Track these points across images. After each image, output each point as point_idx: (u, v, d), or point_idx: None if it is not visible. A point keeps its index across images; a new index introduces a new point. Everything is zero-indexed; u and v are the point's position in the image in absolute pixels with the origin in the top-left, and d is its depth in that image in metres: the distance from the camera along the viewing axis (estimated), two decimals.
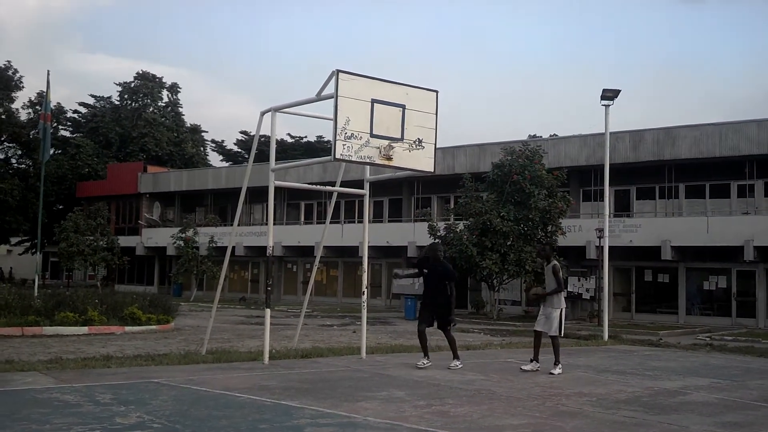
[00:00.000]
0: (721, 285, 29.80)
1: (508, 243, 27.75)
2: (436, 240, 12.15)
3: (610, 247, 21.68)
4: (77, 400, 8.19)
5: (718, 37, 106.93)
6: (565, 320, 12.13)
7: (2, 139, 50.62)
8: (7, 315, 16.78)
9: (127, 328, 18.13)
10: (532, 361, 11.90)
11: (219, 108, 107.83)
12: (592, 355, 15.63)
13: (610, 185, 21.53)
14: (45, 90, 25.28)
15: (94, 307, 18.16)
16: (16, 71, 50.07)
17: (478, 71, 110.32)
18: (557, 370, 11.62)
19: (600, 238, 25.33)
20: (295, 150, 58.44)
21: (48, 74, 23.87)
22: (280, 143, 55.15)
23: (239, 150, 63.75)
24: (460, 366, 11.64)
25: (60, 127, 58.75)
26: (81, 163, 54.10)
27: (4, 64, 49.85)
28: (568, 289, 29.76)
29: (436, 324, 12.00)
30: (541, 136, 43.80)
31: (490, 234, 27.63)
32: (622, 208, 32.82)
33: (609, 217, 22.43)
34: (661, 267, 30.68)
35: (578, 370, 12.49)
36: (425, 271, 11.94)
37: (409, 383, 10.29)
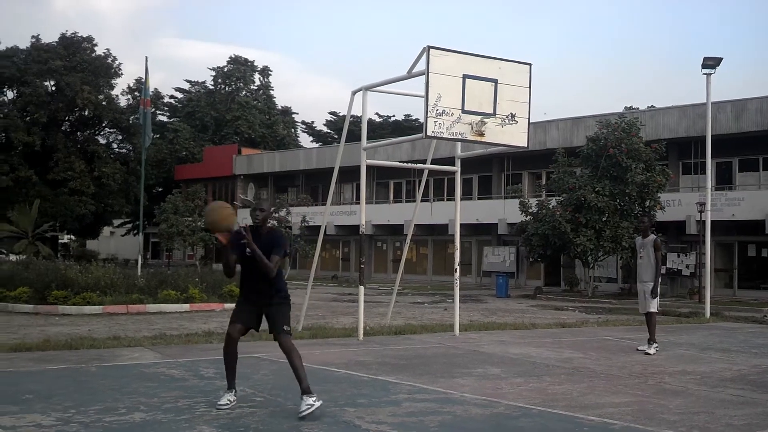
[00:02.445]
0: None
1: (604, 219, 27.09)
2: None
3: (711, 221, 20.89)
4: (182, 374, 8.49)
5: None
6: (660, 297, 11.78)
7: (104, 124, 52.64)
8: (113, 293, 17.50)
9: (227, 305, 18.59)
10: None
11: (308, 90, 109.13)
12: (693, 332, 15.16)
13: (711, 157, 20.70)
14: (143, 76, 26.03)
15: (195, 285, 18.75)
16: (115, 59, 51.87)
17: (571, 41, 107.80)
18: (652, 350, 11.24)
19: (701, 212, 24.44)
20: (383, 129, 58.62)
21: (146, 61, 24.58)
22: (368, 123, 55.18)
23: (328, 131, 64.43)
24: (314, 405, 6.44)
25: (158, 112, 60.65)
26: (179, 147, 55.82)
27: (104, 53, 51.69)
28: (667, 266, 28.91)
29: (269, 329, 6.91)
30: (637, 108, 42.44)
31: (585, 210, 27.04)
32: (723, 180, 31.55)
33: (711, 190, 21.58)
34: (766, 241, 29.39)
35: (680, 348, 12.14)
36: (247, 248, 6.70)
37: (504, 360, 10.22)
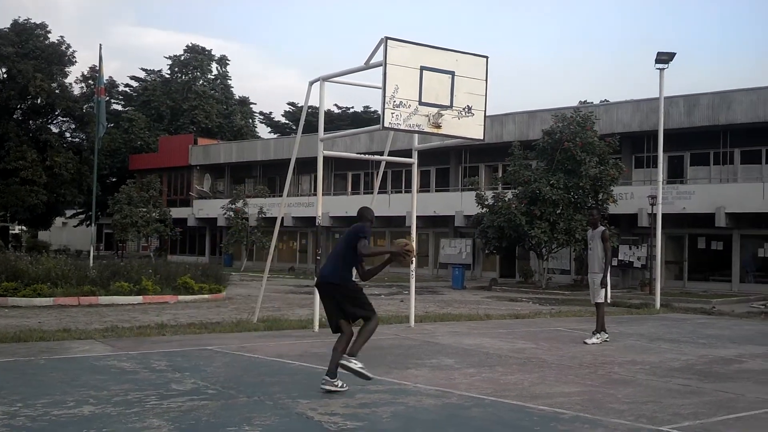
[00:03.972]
0: None
1: (558, 211, 27.43)
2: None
3: (662, 214, 21.28)
4: (134, 367, 8.38)
5: None
6: (611, 288, 11.97)
7: (56, 113, 51.62)
8: (64, 285, 17.19)
9: (180, 298, 18.44)
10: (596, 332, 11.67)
11: (267, 80, 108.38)
12: (643, 323, 15.45)
13: (663, 151, 21.06)
14: (97, 64, 25.66)
15: (148, 277, 18.51)
16: (69, 46, 50.86)
17: (526, 36, 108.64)
18: (593, 339, 11.43)
19: (653, 205, 24.87)
20: (341, 120, 58.50)
21: (100, 48, 24.23)
22: (327, 114, 55.06)
23: (287, 121, 64.10)
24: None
25: (112, 100, 59.65)
26: (133, 137, 54.98)
27: (57, 39, 50.64)
28: (619, 258, 29.39)
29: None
30: (592, 102, 42.98)
31: (539, 202, 27.33)
32: (675, 174, 32.14)
33: (662, 183, 21.96)
34: (715, 234, 30.04)
35: (630, 339, 12.36)
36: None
37: (458, 351, 10.30)
